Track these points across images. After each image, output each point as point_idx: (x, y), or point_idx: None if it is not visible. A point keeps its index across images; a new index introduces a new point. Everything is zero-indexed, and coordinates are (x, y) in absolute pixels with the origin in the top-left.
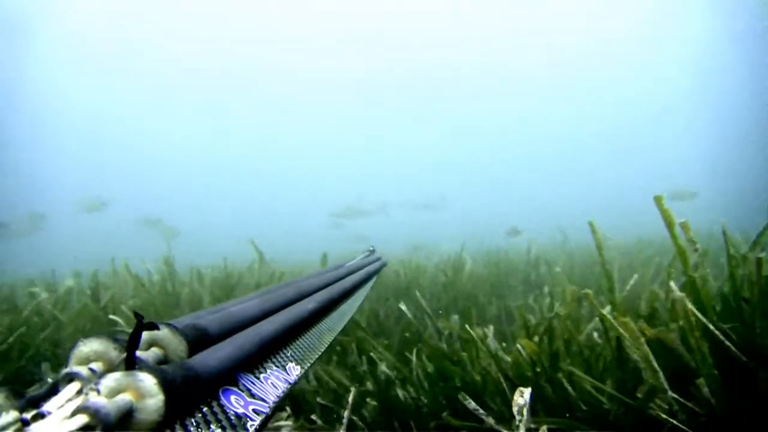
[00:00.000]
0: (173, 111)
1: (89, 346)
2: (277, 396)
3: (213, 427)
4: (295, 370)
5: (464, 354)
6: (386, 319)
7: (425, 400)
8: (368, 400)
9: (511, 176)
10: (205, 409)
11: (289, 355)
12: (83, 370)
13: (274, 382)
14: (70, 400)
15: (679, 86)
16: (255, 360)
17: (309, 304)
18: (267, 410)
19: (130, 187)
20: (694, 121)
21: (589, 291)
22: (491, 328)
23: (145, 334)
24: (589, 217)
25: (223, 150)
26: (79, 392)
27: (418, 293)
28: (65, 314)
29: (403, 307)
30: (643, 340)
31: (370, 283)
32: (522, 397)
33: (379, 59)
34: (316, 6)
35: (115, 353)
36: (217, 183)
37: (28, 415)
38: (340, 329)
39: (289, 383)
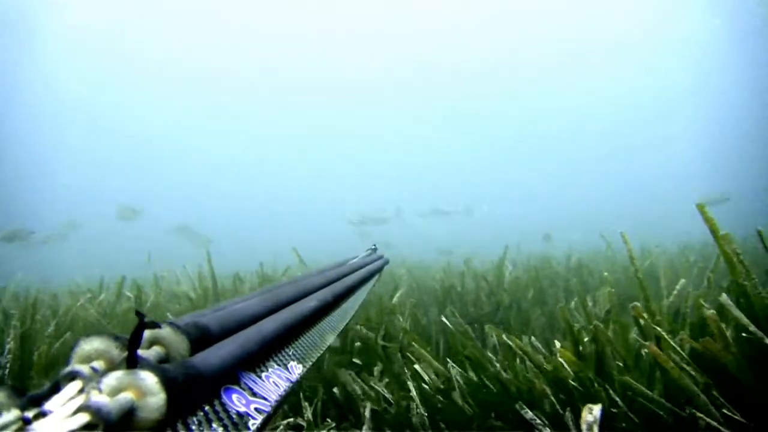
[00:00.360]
0: (176, 111)
1: (91, 344)
2: (279, 395)
3: (215, 425)
4: (297, 369)
5: (506, 362)
6: (428, 326)
7: (471, 410)
8: (415, 408)
9: (520, 177)
10: (206, 407)
11: (290, 353)
12: (85, 369)
13: (275, 380)
14: (71, 398)
15: (681, 86)
16: (257, 358)
17: (311, 302)
18: (269, 409)
19: (153, 192)
20: (696, 122)
21: (638, 304)
22: (531, 338)
23: (147, 333)
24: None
25: (238, 152)
26: (81, 391)
27: (459, 300)
28: (108, 320)
29: (444, 320)
30: (672, 363)
31: (372, 282)
32: (591, 414)
33: (382, 58)
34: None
35: (116, 352)
36: (226, 186)
37: (29, 414)
38: (342, 328)
39: (291, 382)
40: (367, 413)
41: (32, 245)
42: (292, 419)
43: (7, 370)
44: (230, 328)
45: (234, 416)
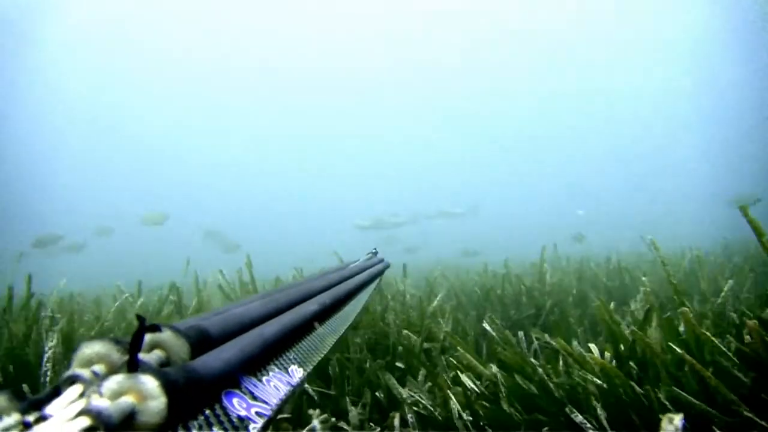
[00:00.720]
0: (176, 111)
1: (92, 348)
2: (280, 398)
3: (215, 429)
4: (297, 373)
5: (549, 367)
6: (469, 329)
7: (519, 416)
8: (461, 413)
9: (525, 177)
10: (207, 411)
11: (291, 357)
12: (85, 373)
13: (276, 384)
14: (72, 402)
15: (681, 85)
16: (257, 362)
17: (312, 306)
18: (269, 413)
19: (154, 194)
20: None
21: (686, 309)
22: (575, 343)
23: (148, 337)
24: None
25: (243, 153)
26: (82, 395)
27: (499, 302)
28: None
29: (486, 326)
30: (708, 373)
31: (373, 285)
32: (672, 423)
33: (390, 58)
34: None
35: (117, 355)
36: (226, 186)
37: (30, 418)
38: (343, 331)
39: (292, 385)
40: (396, 422)
41: (57, 251)
42: (334, 420)
43: (48, 378)
44: (231, 331)
45: (235, 420)
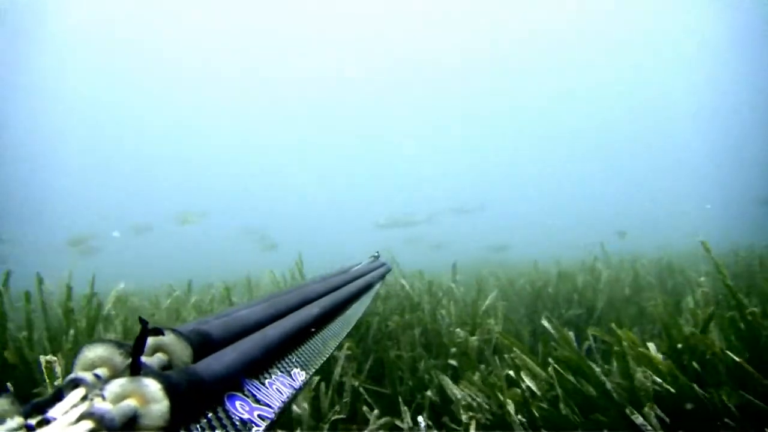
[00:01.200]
0: (176, 112)
1: (94, 351)
2: (283, 401)
3: None
4: (300, 376)
5: (607, 367)
6: (522, 328)
7: (577, 419)
8: (517, 415)
9: (529, 176)
10: (210, 414)
11: (294, 360)
12: (88, 376)
13: (279, 387)
14: (75, 405)
15: (684, 85)
16: (260, 365)
17: (314, 310)
18: (272, 416)
19: (153, 199)
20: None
21: (756, 309)
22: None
23: (150, 340)
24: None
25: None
26: (84, 398)
27: (551, 301)
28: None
29: (545, 323)
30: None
31: (375, 289)
32: None
33: (383, 60)
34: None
35: (120, 359)
36: (223, 185)
37: (33, 421)
38: (345, 334)
39: (294, 389)
40: (472, 429)
41: (78, 251)
42: (388, 418)
43: None
44: (234, 334)
45: (237, 423)
